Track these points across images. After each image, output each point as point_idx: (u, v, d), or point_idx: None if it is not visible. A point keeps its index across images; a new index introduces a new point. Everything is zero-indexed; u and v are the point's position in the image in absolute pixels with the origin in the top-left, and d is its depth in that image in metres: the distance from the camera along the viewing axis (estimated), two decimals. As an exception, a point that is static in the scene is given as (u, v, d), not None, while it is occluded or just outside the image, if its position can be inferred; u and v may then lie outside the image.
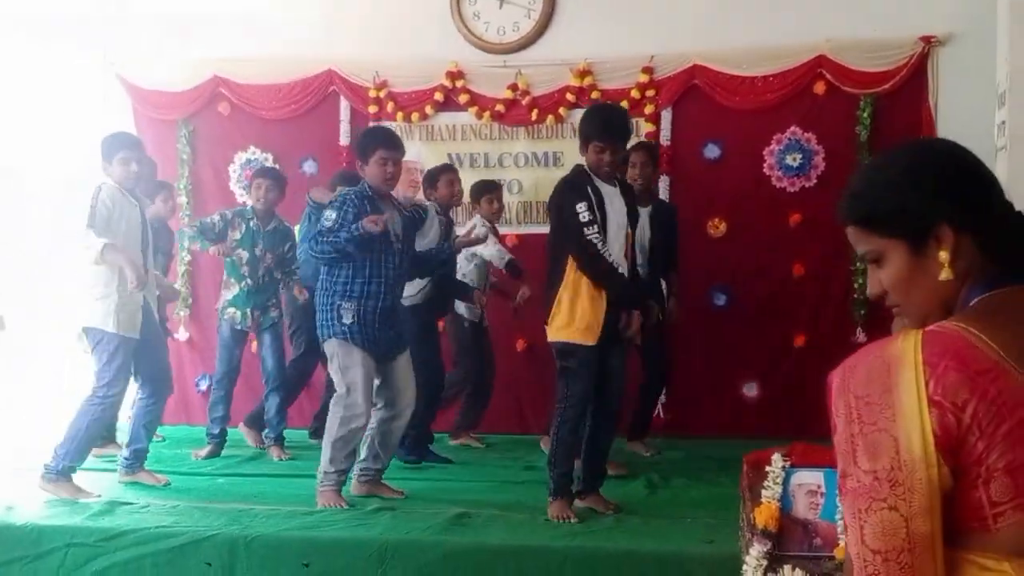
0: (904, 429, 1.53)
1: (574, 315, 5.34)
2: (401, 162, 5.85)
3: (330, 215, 5.60)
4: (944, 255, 1.68)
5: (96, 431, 6.07)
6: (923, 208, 1.70)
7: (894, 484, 1.52)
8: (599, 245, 5.23)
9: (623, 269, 5.37)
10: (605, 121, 5.47)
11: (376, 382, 5.80)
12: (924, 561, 1.52)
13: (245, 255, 7.11)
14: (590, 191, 5.30)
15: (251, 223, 7.12)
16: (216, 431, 7.27)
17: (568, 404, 5.40)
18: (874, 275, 1.81)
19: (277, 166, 8.15)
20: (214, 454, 7.21)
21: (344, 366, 5.72)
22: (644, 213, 6.31)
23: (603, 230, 5.28)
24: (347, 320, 5.68)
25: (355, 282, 5.67)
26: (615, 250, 5.34)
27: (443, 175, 7.14)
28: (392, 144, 5.81)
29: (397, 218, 5.77)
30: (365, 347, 5.69)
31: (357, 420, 5.68)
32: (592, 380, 5.37)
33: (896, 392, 1.55)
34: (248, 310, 7.15)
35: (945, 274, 1.69)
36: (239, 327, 7.19)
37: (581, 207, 5.26)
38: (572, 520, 5.32)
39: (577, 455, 5.56)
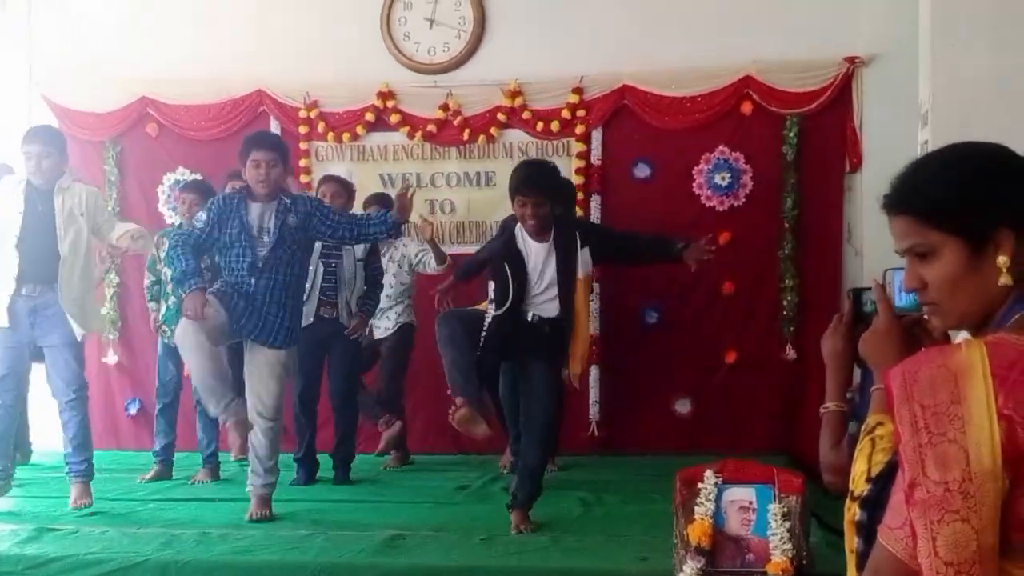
0: (974, 441, 1.54)
1: None
2: (277, 162, 5.77)
3: (201, 216, 5.80)
4: (1004, 259, 1.69)
5: None
6: (990, 209, 1.71)
7: (966, 496, 1.53)
8: (488, 314, 5.58)
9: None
10: (520, 176, 5.64)
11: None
12: (990, 573, 1.53)
13: (168, 272, 7.07)
14: (514, 256, 5.58)
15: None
16: (157, 448, 7.19)
17: None
18: (914, 269, 1.80)
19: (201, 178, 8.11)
20: (160, 476, 7.12)
21: None
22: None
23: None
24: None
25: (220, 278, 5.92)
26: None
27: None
28: (264, 145, 5.86)
29: (270, 214, 5.75)
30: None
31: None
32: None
33: (965, 404, 1.56)
34: (175, 326, 7.08)
35: (1004, 279, 1.70)
36: (168, 342, 7.09)
37: (491, 284, 5.66)
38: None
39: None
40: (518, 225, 5.67)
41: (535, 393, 5.58)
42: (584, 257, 5.69)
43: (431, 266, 7.15)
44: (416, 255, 7.27)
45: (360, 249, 6.90)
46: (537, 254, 5.60)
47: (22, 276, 5.97)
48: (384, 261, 7.24)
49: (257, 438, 5.81)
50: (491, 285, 5.67)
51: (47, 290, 6.00)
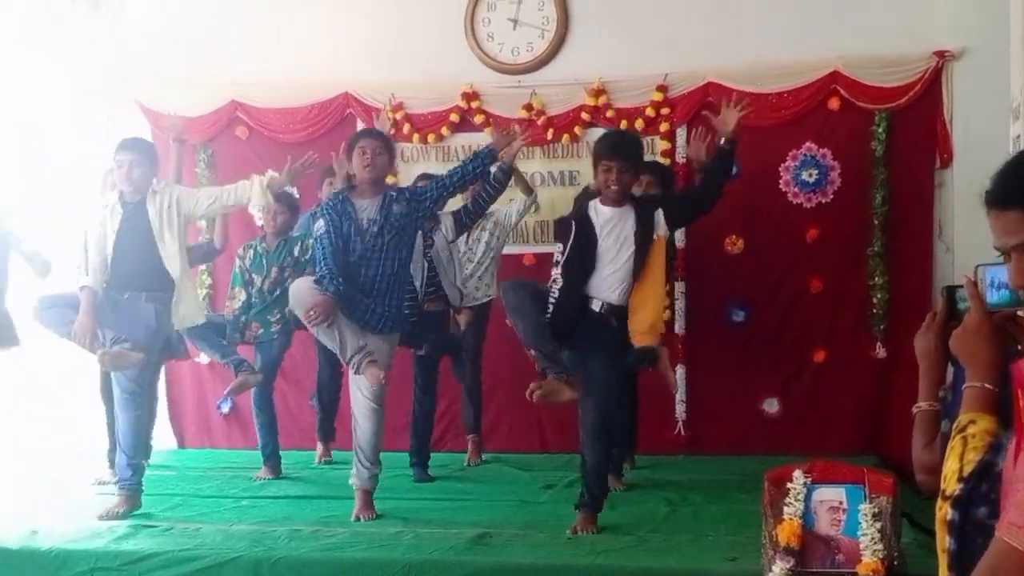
0: None
1: None
2: (383, 151, 5.94)
3: (320, 224, 5.90)
4: None
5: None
6: None
7: None
8: (555, 283, 5.60)
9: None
10: (607, 141, 5.77)
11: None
12: None
13: (256, 278, 7.18)
14: (583, 220, 5.64)
15: (259, 247, 7.22)
16: (259, 445, 7.27)
17: None
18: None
19: (293, 190, 8.21)
20: (272, 474, 7.18)
21: None
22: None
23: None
24: None
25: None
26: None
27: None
28: (370, 135, 6.11)
29: (376, 206, 5.86)
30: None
31: None
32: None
33: None
34: (244, 319, 7.16)
35: None
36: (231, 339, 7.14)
37: (558, 247, 5.70)
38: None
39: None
40: (592, 202, 5.75)
41: (590, 387, 5.55)
42: (659, 219, 5.67)
43: (518, 209, 7.31)
44: (504, 212, 7.32)
45: (451, 232, 6.95)
46: (607, 219, 5.61)
47: (114, 281, 6.10)
48: (476, 231, 7.27)
49: (359, 425, 5.92)
50: (558, 247, 5.70)
51: (135, 297, 6.11)
